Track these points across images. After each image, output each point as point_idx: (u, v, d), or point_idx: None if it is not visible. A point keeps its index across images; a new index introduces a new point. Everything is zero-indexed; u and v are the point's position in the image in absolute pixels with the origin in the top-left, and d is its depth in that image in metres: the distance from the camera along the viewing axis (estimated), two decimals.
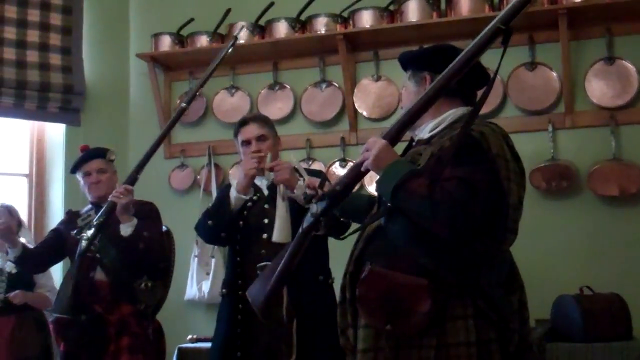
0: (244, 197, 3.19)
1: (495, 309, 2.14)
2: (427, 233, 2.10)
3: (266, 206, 3.23)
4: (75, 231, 3.51)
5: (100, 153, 3.74)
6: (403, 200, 2.10)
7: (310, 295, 3.14)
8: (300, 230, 2.41)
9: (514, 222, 2.17)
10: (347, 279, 2.28)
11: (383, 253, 2.20)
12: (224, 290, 3.29)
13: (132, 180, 3.46)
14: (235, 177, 3.27)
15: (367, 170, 2.23)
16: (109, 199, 3.46)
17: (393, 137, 2.19)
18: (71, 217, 3.80)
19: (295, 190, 3.05)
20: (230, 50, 3.51)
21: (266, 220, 3.19)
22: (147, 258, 3.55)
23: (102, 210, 3.47)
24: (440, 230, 2.07)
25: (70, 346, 3.51)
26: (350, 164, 4.72)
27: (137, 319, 3.56)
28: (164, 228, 3.84)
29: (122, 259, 3.51)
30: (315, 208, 2.34)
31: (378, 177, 2.18)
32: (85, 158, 3.75)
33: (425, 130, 2.34)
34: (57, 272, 4.61)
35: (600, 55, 4.37)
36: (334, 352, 2.98)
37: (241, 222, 3.23)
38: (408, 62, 2.49)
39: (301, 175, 2.99)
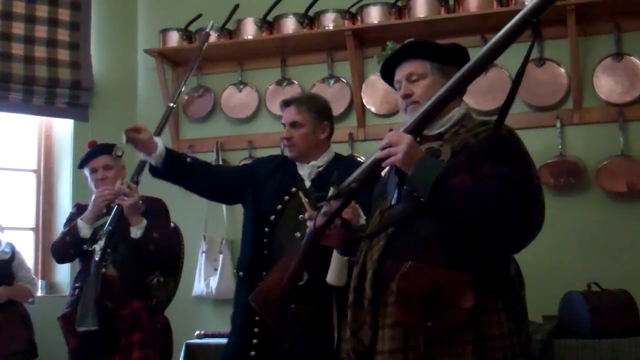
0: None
1: (519, 302, 2.20)
2: (464, 228, 2.11)
3: (304, 201, 2.89)
4: (87, 244, 3.50)
5: (106, 149, 3.72)
6: (445, 196, 2.09)
7: (331, 299, 2.91)
8: (311, 228, 2.38)
9: (542, 218, 2.21)
10: (369, 278, 2.23)
11: (412, 250, 2.18)
12: (240, 272, 3.09)
13: (134, 182, 3.46)
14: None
15: (385, 166, 2.22)
16: (115, 202, 3.45)
17: (416, 131, 2.19)
18: (80, 210, 3.80)
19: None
20: (204, 48, 3.53)
21: (302, 217, 2.87)
22: (156, 259, 3.55)
23: (110, 216, 3.47)
24: (487, 226, 2.10)
25: (81, 342, 3.51)
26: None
27: (149, 314, 3.56)
28: (172, 224, 3.84)
29: (133, 260, 3.51)
30: (329, 206, 2.32)
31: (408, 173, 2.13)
32: (92, 154, 3.76)
33: (435, 126, 2.32)
34: (64, 269, 4.64)
35: (609, 52, 4.36)
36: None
37: (273, 217, 2.99)
38: (435, 54, 2.40)
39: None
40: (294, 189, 3.01)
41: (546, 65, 4.46)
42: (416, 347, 2.11)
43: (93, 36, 5.08)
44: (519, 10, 4.64)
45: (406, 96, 2.38)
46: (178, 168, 3.12)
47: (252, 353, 2.97)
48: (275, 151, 4.43)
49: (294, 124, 3.09)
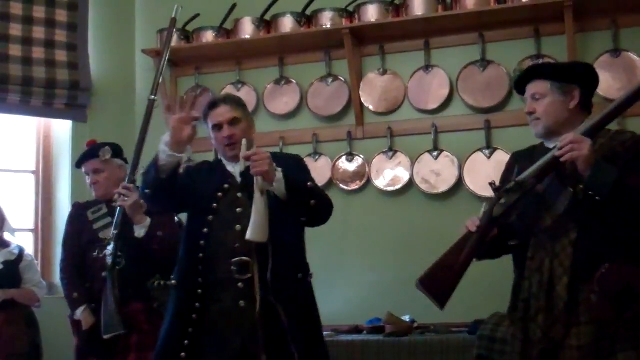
0: (170, 153, 2.85)
1: None
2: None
3: (239, 195, 2.94)
4: (96, 252, 3.49)
5: (93, 153, 3.72)
6: (623, 195, 2.40)
7: (288, 293, 2.89)
8: (487, 217, 2.60)
9: None
10: (564, 283, 2.48)
11: (600, 252, 2.47)
12: (173, 281, 3.01)
13: (130, 183, 3.46)
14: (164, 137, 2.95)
15: (562, 163, 2.46)
16: (117, 205, 3.45)
17: (592, 136, 2.49)
18: (79, 209, 3.80)
19: (274, 183, 2.78)
20: (173, 36, 3.60)
21: (239, 210, 2.92)
22: (161, 258, 3.54)
23: (115, 220, 3.46)
24: None
25: (82, 342, 3.54)
26: (358, 158, 4.74)
27: (147, 316, 3.55)
28: (176, 220, 3.83)
29: (136, 259, 3.50)
30: (507, 198, 2.55)
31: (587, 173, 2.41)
32: (81, 158, 3.77)
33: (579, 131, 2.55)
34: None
35: (606, 48, 4.36)
36: (310, 348, 2.92)
37: (211, 217, 2.95)
38: (555, 74, 2.68)
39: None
40: (226, 185, 2.99)
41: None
42: (610, 337, 2.43)
43: (91, 37, 5.07)
44: (516, 8, 4.68)
45: (530, 113, 2.72)
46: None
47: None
48: (274, 150, 4.43)
49: (233, 121, 3.01)
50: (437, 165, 4.58)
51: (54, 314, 4.19)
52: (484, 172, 4.47)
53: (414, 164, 4.62)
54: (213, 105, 3.06)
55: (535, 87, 2.70)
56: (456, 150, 4.57)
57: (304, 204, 2.85)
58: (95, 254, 3.49)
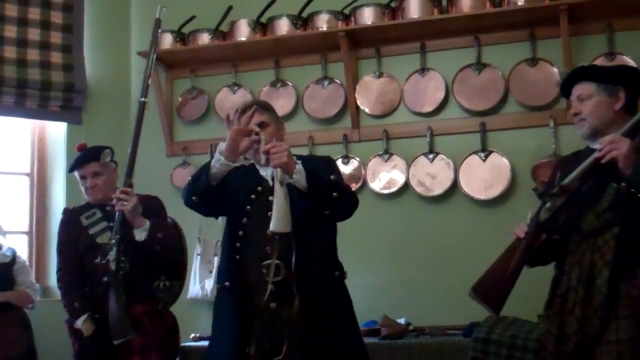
0: (225, 162, 2.91)
1: None
2: None
3: (271, 198, 2.91)
4: (98, 259, 3.46)
5: (94, 156, 3.70)
6: None
7: (325, 292, 2.94)
8: (534, 223, 2.64)
9: None
10: (605, 277, 2.51)
11: None
12: (226, 283, 3.03)
13: (127, 186, 3.45)
14: (221, 145, 2.99)
15: (605, 162, 2.51)
16: (116, 209, 3.44)
17: (632, 136, 2.55)
18: (70, 216, 3.76)
19: (294, 175, 2.81)
20: (159, 33, 3.63)
21: (270, 213, 2.89)
22: (163, 259, 3.53)
23: (114, 225, 3.44)
24: None
25: (84, 345, 3.51)
26: (353, 161, 4.74)
27: (150, 318, 3.54)
28: (169, 220, 3.83)
29: (139, 262, 3.48)
30: (552, 202, 2.60)
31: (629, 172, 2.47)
32: (80, 161, 3.72)
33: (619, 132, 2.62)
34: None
35: (601, 51, 4.37)
36: (345, 349, 2.95)
37: (245, 219, 3.01)
38: (600, 76, 2.73)
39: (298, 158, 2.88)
40: (259, 188, 3.04)
41: (539, 65, 4.48)
42: None
43: (86, 38, 5.07)
44: (511, 11, 4.68)
45: (575, 114, 2.77)
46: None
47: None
48: None
49: (261, 125, 3.04)
50: (432, 167, 4.58)
51: (48, 317, 4.17)
52: (480, 175, 4.48)
53: (409, 167, 4.63)
54: (243, 111, 3.09)
55: (582, 88, 2.75)
56: (452, 153, 4.57)
57: (327, 197, 2.85)
58: (98, 260, 3.46)
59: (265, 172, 3.08)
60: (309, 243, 2.91)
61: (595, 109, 2.70)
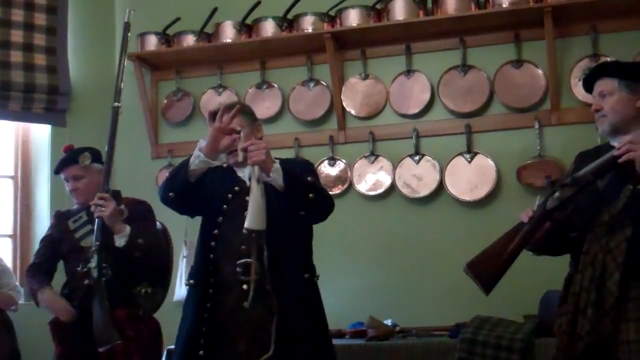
0: (205, 159, 2.89)
1: None
2: None
3: (247, 198, 2.89)
4: (80, 266, 3.42)
5: (72, 159, 3.67)
6: None
7: (295, 293, 2.93)
8: (540, 210, 2.61)
9: None
10: (615, 279, 2.48)
11: None
12: (191, 280, 3.03)
13: (104, 192, 3.41)
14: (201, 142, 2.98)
15: (622, 163, 2.48)
16: (95, 216, 3.40)
17: None
18: (60, 219, 3.75)
19: (271, 174, 2.81)
20: (128, 36, 3.62)
21: (247, 213, 2.88)
22: (143, 265, 3.51)
23: (95, 231, 3.40)
24: None
25: (65, 348, 3.48)
26: (340, 163, 4.74)
27: (132, 323, 3.50)
28: (158, 225, 3.80)
29: (120, 268, 3.45)
30: (561, 192, 2.57)
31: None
32: (60, 164, 3.71)
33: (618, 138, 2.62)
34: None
35: (586, 53, 4.41)
36: (316, 350, 2.95)
37: (220, 218, 3.00)
38: (622, 72, 2.70)
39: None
40: (236, 188, 3.03)
41: (524, 67, 4.50)
42: None
43: (70, 40, 5.04)
44: (496, 13, 4.71)
45: (596, 111, 2.73)
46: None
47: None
48: None
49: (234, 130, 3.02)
50: (418, 169, 4.59)
51: (32, 319, 4.14)
52: (465, 176, 4.49)
53: (395, 169, 4.63)
54: (214, 114, 3.07)
55: (603, 84, 2.72)
56: (437, 155, 4.58)
57: (303, 198, 2.84)
58: (79, 268, 3.43)
59: (243, 174, 3.07)
60: (283, 243, 2.91)
61: (617, 106, 2.67)
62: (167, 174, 3.15)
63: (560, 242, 2.79)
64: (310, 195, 2.85)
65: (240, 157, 2.87)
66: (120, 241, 3.41)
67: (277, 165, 2.84)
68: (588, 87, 2.83)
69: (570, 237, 2.74)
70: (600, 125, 2.74)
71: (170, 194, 2.98)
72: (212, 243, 3.00)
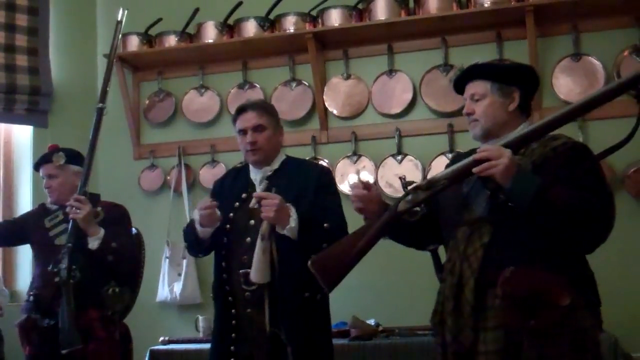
0: (210, 230, 3.01)
1: (597, 298, 2.44)
2: (558, 235, 2.35)
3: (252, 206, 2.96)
4: (50, 266, 3.40)
5: (46, 158, 3.67)
6: (543, 207, 2.30)
7: (293, 314, 2.92)
8: (391, 212, 2.55)
9: (614, 222, 2.41)
10: (470, 286, 2.40)
11: (510, 256, 2.37)
12: (212, 295, 3.15)
13: (81, 194, 3.41)
14: (195, 215, 3.05)
15: (477, 173, 2.38)
16: (69, 217, 3.40)
17: (515, 148, 2.39)
18: (41, 212, 3.74)
19: (285, 231, 2.85)
20: (120, 36, 3.65)
21: (252, 222, 2.98)
22: (115, 268, 3.49)
23: (68, 233, 3.40)
24: (579, 233, 2.35)
25: (35, 349, 3.46)
26: (322, 163, 4.73)
27: (103, 324, 3.49)
28: (133, 230, 3.79)
29: (91, 269, 3.43)
30: (414, 195, 2.50)
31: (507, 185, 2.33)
32: (37, 162, 3.74)
33: (500, 141, 2.48)
34: (26, 278, 4.56)
35: (567, 52, 4.43)
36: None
37: (228, 226, 3.02)
38: (495, 75, 2.60)
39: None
40: (244, 195, 3.05)
41: None
42: (517, 344, 2.31)
43: (52, 41, 5.01)
44: (478, 12, 4.70)
45: (468, 114, 2.63)
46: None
47: None
48: (238, 155, 4.40)
49: (257, 128, 3.08)
50: (401, 169, 4.59)
51: (13, 320, 4.11)
52: None
53: (378, 168, 4.64)
54: (241, 110, 3.14)
55: (475, 87, 2.61)
56: (420, 154, 4.59)
57: (316, 248, 2.73)
58: (50, 268, 3.42)
59: (255, 175, 3.10)
60: (286, 269, 2.92)
61: (489, 110, 2.56)
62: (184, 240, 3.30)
63: (419, 240, 2.81)
64: (325, 245, 2.75)
65: (253, 204, 2.90)
66: (93, 244, 3.41)
67: (293, 222, 2.85)
68: (459, 88, 2.72)
69: (429, 248, 2.74)
70: (472, 130, 2.63)
71: (200, 255, 3.25)
72: (223, 252, 3.04)
